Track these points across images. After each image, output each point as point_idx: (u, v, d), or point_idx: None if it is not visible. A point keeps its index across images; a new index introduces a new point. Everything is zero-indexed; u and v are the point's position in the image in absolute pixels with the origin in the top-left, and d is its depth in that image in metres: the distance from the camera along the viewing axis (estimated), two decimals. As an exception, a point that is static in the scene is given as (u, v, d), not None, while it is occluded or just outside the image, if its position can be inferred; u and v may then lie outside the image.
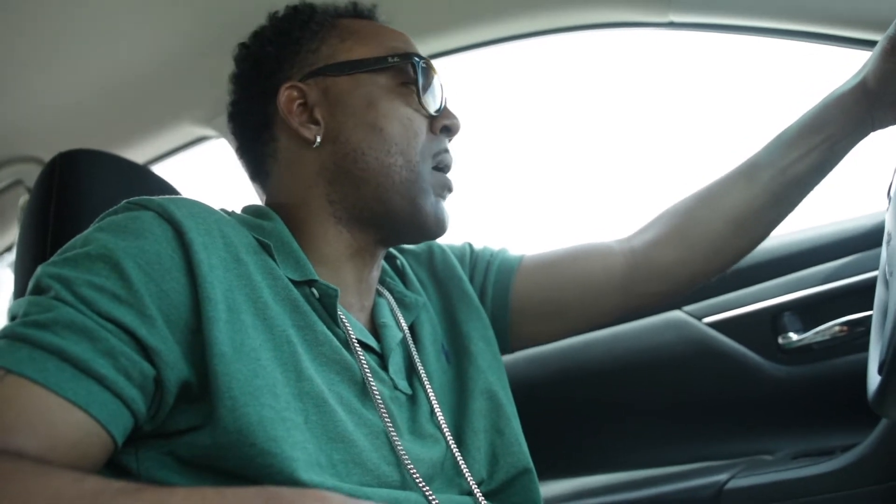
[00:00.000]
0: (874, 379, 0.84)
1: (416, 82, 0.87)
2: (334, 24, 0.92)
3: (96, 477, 0.58)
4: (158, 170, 1.52)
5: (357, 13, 0.95)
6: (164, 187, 1.17)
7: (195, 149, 1.57)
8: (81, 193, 1.04)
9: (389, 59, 0.88)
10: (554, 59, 1.64)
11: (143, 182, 1.15)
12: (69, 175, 1.05)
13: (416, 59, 0.88)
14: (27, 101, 1.36)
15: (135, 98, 1.40)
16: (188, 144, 1.56)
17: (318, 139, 0.86)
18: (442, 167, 0.90)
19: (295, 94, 0.87)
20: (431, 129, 0.89)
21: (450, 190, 0.91)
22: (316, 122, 0.87)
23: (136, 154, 1.51)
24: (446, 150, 0.91)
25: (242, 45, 0.94)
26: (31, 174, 1.43)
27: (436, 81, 0.90)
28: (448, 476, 0.83)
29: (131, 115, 1.45)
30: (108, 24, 1.23)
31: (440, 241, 1.07)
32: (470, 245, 1.09)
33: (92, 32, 1.24)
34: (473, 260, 1.06)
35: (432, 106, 0.89)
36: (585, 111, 1.86)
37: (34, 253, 1.02)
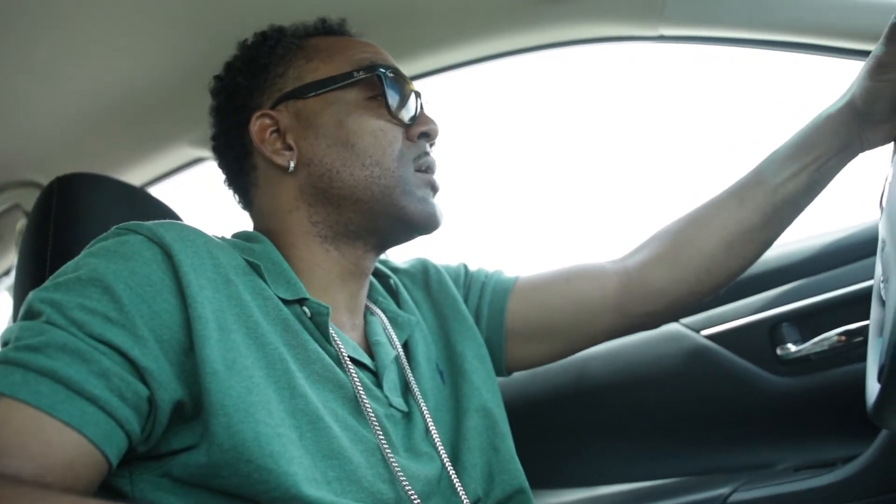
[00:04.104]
0: (873, 389, 0.83)
1: (383, 94, 0.87)
2: (301, 45, 0.91)
3: (96, 500, 0.58)
4: (156, 192, 1.53)
5: (326, 30, 0.95)
6: (162, 209, 1.17)
7: (192, 170, 1.58)
8: (79, 217, 1.04)
9: (355, 74, 0.87)
10: (545, 74, 1.65)
11: (141, 205, 1.15)
12: (67, 199, 1.05)
13: (382, 70, 0.87)
14: (24, 124, 1.36)
15: (131, 120, 1.41)
16: (185, 166, 1.56)
17: (293, 164, 0.86)
18: (424, 170, 0.89)
19: (267, 121, 0.88)
20: (408, 136, 0.88)
21: (434, 189, 0.90)
22: (289, 148, 0.87)
23: (134, 176, 1.52)
24: (427, 154, 0.90)
25: (216, 78, 0.94)
26: (29, 198, 1.43)
27: (407, 89, 0.89)
28: (445, 494, 0.83)
29: (128, 137, 1.46)
30: (104, 47, 1.24)
31: (436, 262, 1.07)
32: (465, 266, 1.09)
33: (88, 55, 1.25)
34: (468, 282, 1.06)
35: (405, 114, 0.88)
36: (578, 126, 1.87)
37: (33, 277, 1.02)
